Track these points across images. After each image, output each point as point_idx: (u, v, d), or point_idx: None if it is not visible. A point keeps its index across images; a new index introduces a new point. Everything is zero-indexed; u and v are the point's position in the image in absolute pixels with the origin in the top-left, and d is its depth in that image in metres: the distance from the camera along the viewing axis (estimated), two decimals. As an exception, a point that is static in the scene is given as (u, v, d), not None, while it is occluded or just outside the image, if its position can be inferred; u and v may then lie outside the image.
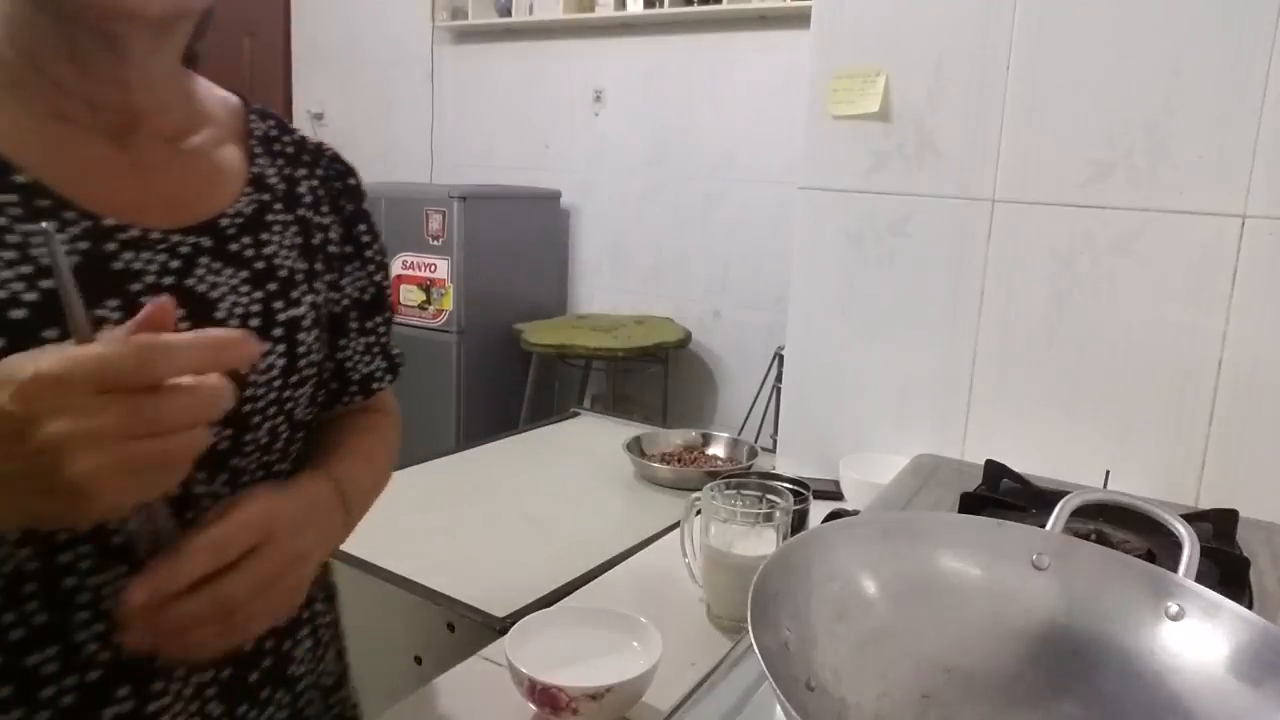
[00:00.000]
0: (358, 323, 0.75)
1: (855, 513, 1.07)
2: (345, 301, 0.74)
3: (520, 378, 3.10)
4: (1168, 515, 0.66)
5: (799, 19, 2.75)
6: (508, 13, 3.41)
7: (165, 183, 0.60)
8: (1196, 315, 1.10)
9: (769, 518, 0.92)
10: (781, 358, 1.85)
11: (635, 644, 0.79)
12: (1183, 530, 0.64)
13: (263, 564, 0.52)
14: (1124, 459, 1.15)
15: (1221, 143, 1.06)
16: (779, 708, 0.54)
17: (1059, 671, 0.58)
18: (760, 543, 0.91)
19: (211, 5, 0.59)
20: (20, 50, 0.55)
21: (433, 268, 3.02)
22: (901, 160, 1.27)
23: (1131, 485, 1.11)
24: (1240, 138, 1.05)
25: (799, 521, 1.03)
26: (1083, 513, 0.73)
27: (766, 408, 2.69)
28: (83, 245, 0.54)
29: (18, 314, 0.51)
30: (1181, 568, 0.61)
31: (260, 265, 0.63)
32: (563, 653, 0.77)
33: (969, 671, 0.59)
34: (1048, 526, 0.66)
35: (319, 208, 0.71)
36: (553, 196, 3.41)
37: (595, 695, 0.71)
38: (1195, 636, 0.56)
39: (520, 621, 0.79)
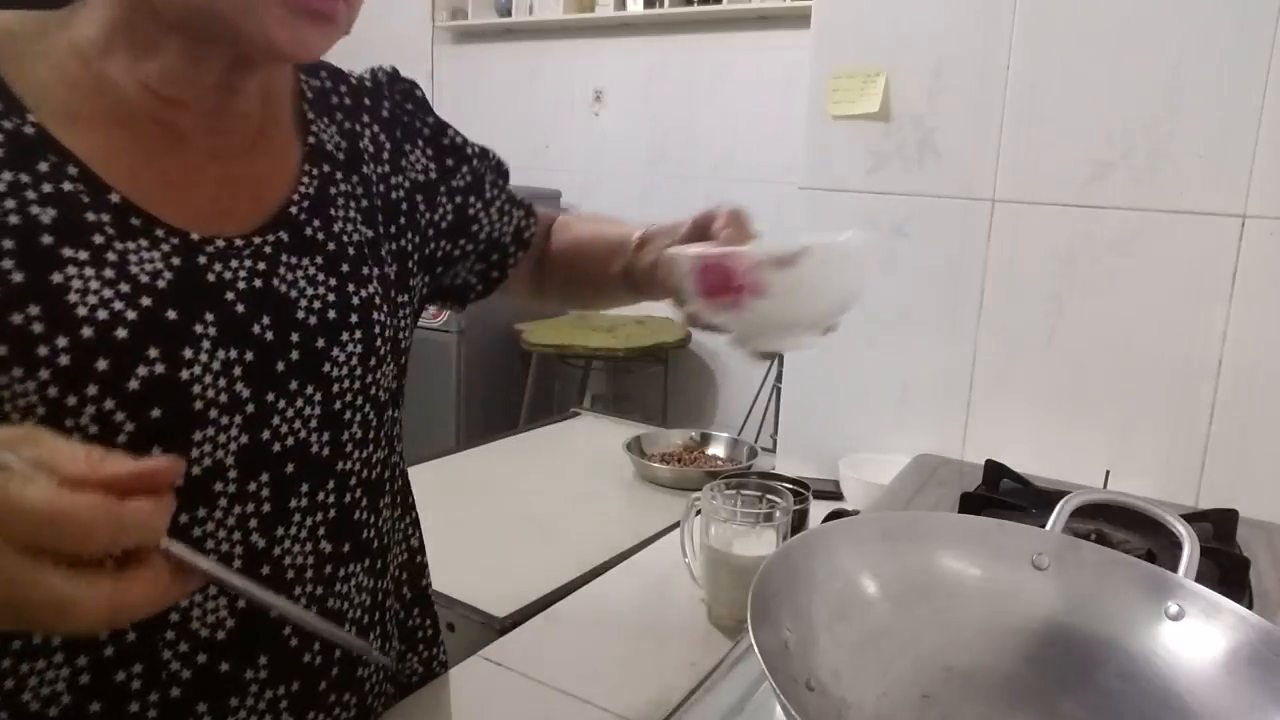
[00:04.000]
0: (484, 196, 0.80)
1: (855, 513, 1.07)
2: (457, 199, 0.77)
3: (520, 378, 3.10)
4: (1168, 515, 0.66)
5: (799, 19, 2.75)
6: (508, 13, 3.41)
7: (247, 184, 0.61)
8: (1196, 315, 1.10)
9: (769, 518, 0.92)
10: (781, 358, 1.85)
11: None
12: (1183, 530, 0.64)
13: None
14: (1124, 459, 1.15)
15: (1221, 142, 1.06)
16: (779, 708, 0.54)
17: (1059, 671, 0.58)
18: (760, 543, 0.91)
19: None
20: (138, 79, 0.56)
21: (433, 268, 3.02)
22: (901, 160, 1.27)
23: (1131, 485, 1.11)
24: (1240, 138, 1.05)
25: (799, 521, 1.03)
26: (1083, 513, 0.73)
27: (766, 408, 2.69)
28: (175, 262, 0.55)
29: (121, 334, 0.51)
30: (1181, 568, 0.61)
31: (332, 247, 0.64)
32: None
33: (969, 671, 0.59)
34: (1048, 526, 0.66)
35: (382, 157, 0.71)
36: (553, 196, 3.40)
37: (783, 261, 0.55)
38: (1195, 636, 0.56)
39: None
